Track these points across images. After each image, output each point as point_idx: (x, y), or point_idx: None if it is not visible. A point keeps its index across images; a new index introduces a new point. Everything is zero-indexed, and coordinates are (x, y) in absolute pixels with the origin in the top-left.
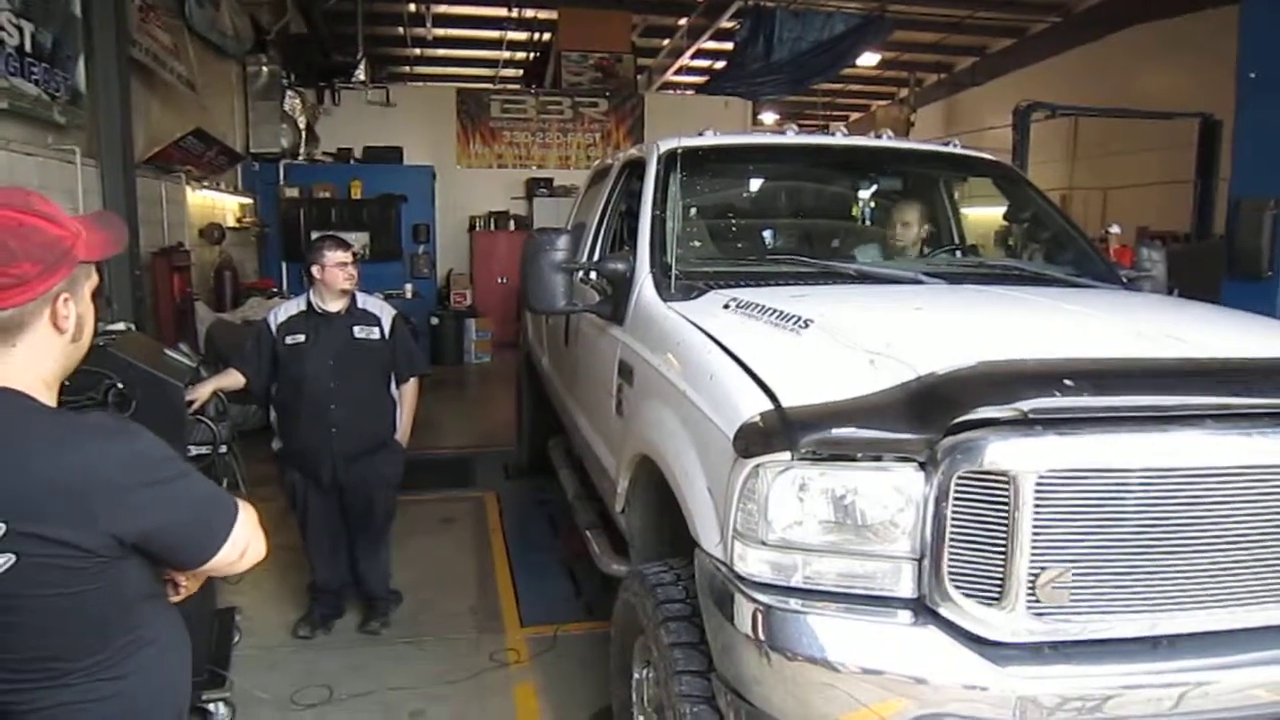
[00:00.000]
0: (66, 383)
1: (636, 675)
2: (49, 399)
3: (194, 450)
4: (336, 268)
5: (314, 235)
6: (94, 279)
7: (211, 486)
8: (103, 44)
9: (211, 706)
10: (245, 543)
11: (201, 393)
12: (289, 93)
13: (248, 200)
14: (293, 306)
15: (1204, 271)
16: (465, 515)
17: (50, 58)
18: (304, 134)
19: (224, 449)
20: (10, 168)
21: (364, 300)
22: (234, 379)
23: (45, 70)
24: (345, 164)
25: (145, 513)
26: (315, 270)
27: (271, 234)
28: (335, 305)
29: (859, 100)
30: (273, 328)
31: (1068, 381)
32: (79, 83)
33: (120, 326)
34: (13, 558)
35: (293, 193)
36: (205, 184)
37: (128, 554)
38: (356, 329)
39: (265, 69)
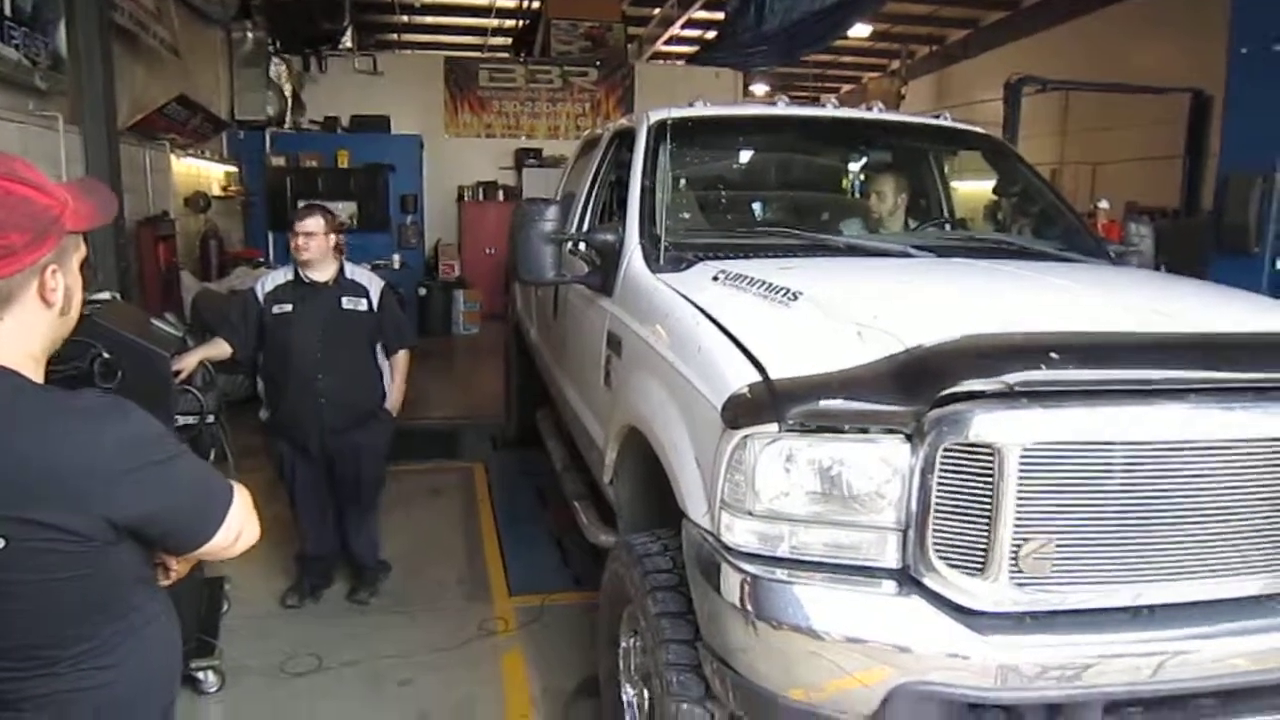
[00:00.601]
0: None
1: (624, 644)
2: (37, 374)
3: (181, 420)
4: (299, 237)
5: (300, 204)
6: (82, 250)
7: (206, 469)
8: (84, 7)
9: (200, 675)
10: (240, 527)
11: (188, 362)
12: (275, 60)
13: (233, 169)
14: (280, 276)
15: (1192, 247)
16: (453, 486)
17: (30, 22)
18: (290, 102)
19: (211, 419)
20: None
21: (352, 271)
22: (220, 349)
23: (26, 35)
24: (332, 133)
25: (140, 497)
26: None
27: (257, 203)
28: (322, 275)
29: (850, 72)
30: (260, 296)
31: (1053, 355)
32: (60, 47)
33: (105, 296)
34: (2, 542)
35: (279, 161)
36: (190, 152)
37: (121, 538)
38: (344, 299)
39: (250, 35)
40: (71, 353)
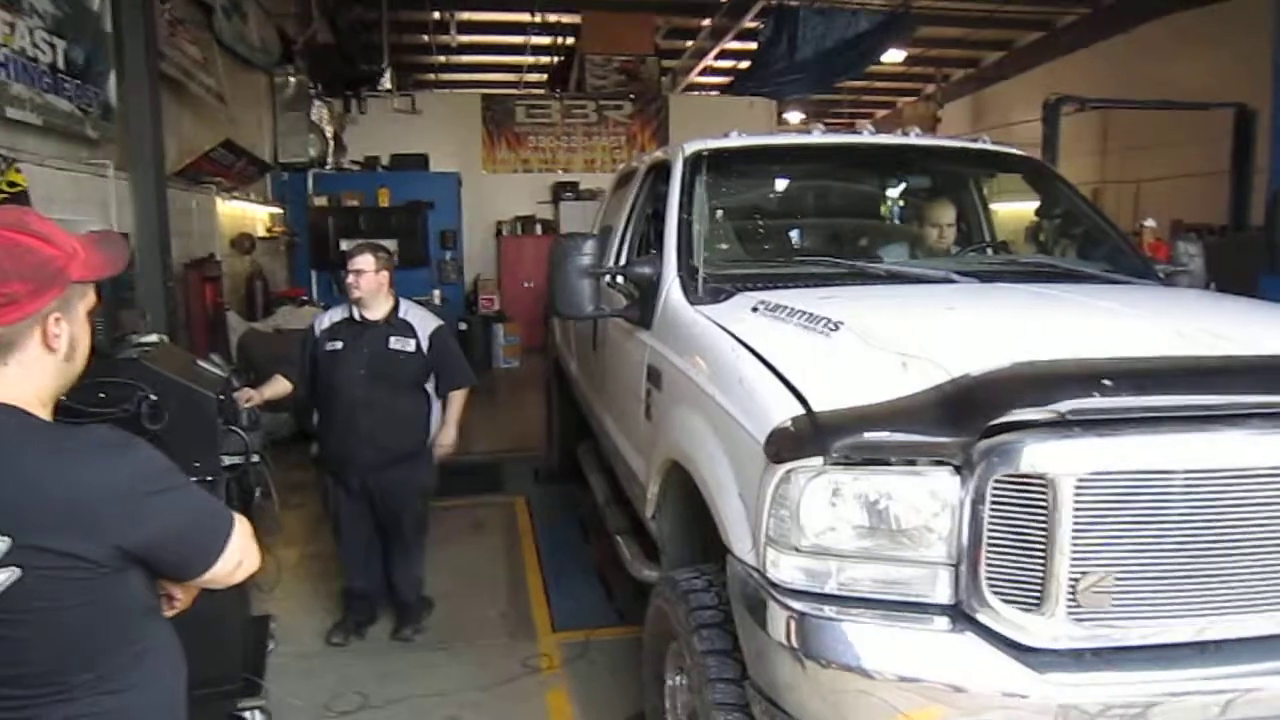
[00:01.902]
0: (101, 395)
1: (670, 682)
2: (44, 416)
3: (227, 460)
4: (350, 274)
5: (343, 244)
6: (90, 299)
7: (209, 498)
8: (133, 59)
9: (248, 715)
10: (241, 554)
11: (256, 399)
12: (316, 102)
13: (277, 210)
14: (337, 313)
15: (1241, 265)
16: (496, 520)
17: (82, 74)
18: (331, 143)
19: (256, 458)
20: (45, 182)
21: (406, 309)
22: (282, 385)
23: (78, 86)
24: (372, 172)
25: (148, 522)
26: None
27: (301, 243)
28: (375, 313)
29: (885, 97)
30: (317, 333)
31: (1106, 382)
32: (110, 97)
33: (153, 338)
34: (17, 571)
35: (321, 201)
36: (235, 194)
37: (130, 565)
38: (392, 339)
39: (292, 79)
40: (119, 395)
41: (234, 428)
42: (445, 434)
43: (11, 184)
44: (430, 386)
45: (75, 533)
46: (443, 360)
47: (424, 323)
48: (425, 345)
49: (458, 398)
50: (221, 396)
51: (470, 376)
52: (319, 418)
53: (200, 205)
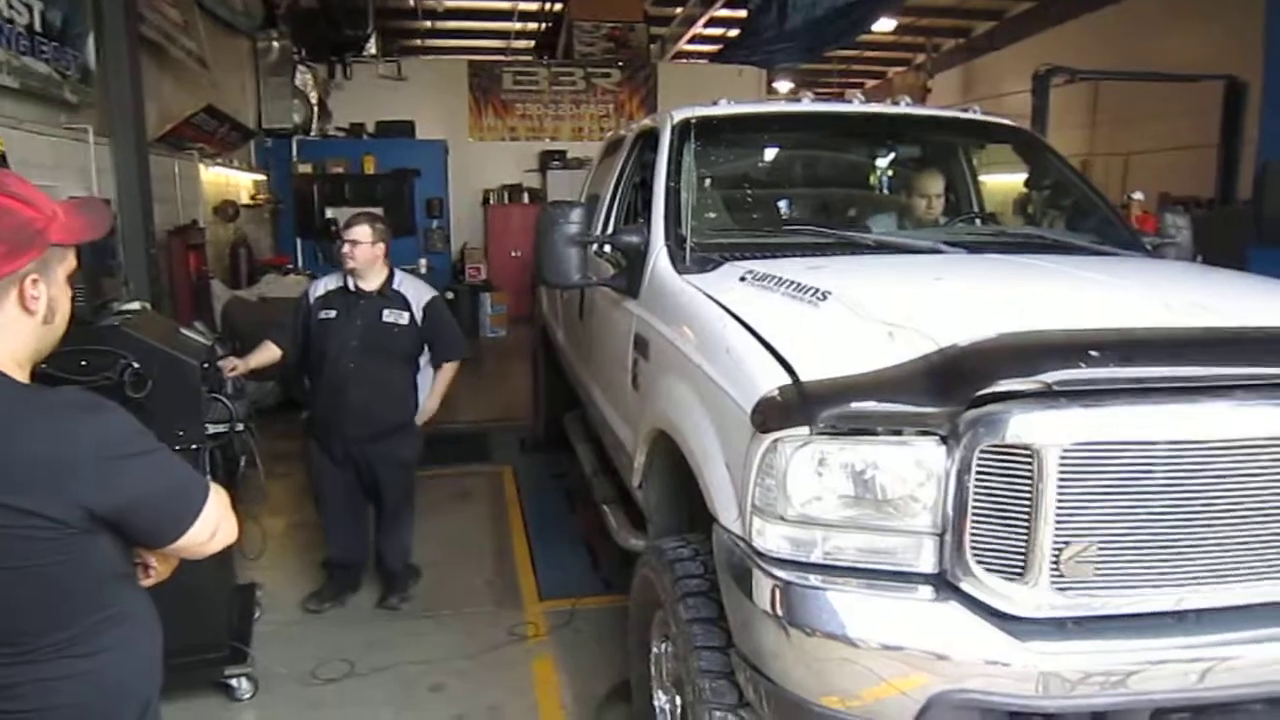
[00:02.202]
0: (84, 363)
1: (655, 650)
2: (21, 378)
3: (211, 429)
4: (345, 244)
5: (328, 211)
6: (70, 262)
7: (183, 465)
8: (112, 21)
9: (234, 682)
10: (215, 523)
11: (242, 367)
12: (300, 68)
13: (261, 177)
14: (332, 281)
15: (1229, 238)
16: (482, 490)
17: (60, 36)
18: (316, 109)
19: (241, 427)
20: (24, 147)
21: (400, 281)
22: (271, 352)
23: (55, 49)
24: (358, 139)
25: (118, 486)
26: None
27: (285, 210)
28: (369, 284)
29: (875, 67)
30: (310, 300)
31: (1093, 352)
32: (89, 61)
33: (136, 306)
34: None
35: (306, 169)
36: (219, 161)
37: (98, 528)
38: (386, 312)
39: (276, 44)
40: (102, 363)
41: (218, 396)
42: (428, 402)
43: None
44: (423, 359)
45: (41, 492)
46: (436, 332)
47: (418, 294)
48: (419, 317)
49: (448, 370)
50: (205, 364)
51: (462, 350)
52: (310, 384)
53: (183, 171)
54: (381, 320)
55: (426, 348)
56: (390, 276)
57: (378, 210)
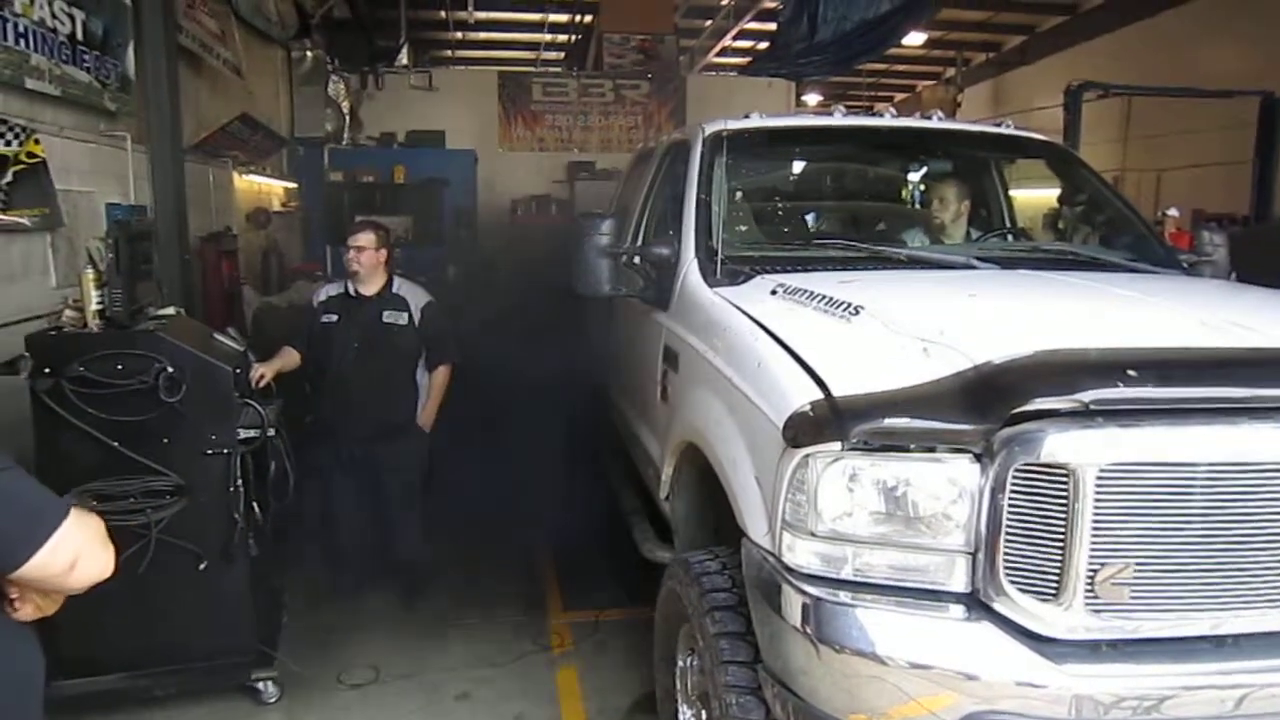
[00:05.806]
0: (119, 366)
1: (681, 663)
2: None
3: (243, 434)
4: (350, 250)
5: (357, 219)
6: None
7: (38, 488)
8: (151, 31)
9: (260, 686)
10: (74, 553)
11: (267, 372)
12: (333, 77)
13: (293, 185)
14: (334, 288)
15: (1265, 255)
16: None
17: (101, 45)
18: (348, 118)
19: (273, 432)
20: (63, 154)
21: (399, 285)
22: (292, 357)
23: (96, 58)
24: (388, 148)
25: None
26: None
27: (316, 218)
28: (369, 289)
29: (904, 81)
30: (314, 305)
31: (1131, 372)
32: (128, 70)
33: (170, 311)
34: None
35: (337, 177)
36: (252, 169)
37: None
38: (385, 314)
39: (309, 54)
40: (137, 367)
41: (250, 401)
42: (425, 412)
43: (30, 155)
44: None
45: None
46: (432, 334)
47: (416, 297)
48: (417, 318)
49: (441, 374)
50: (238, 370)
51: (454, 354)
52: (312, 388)
53: (217, 179)
54: (381, 321)
55: (423, 350)
56: (389, 281)
57: (401, 218)
